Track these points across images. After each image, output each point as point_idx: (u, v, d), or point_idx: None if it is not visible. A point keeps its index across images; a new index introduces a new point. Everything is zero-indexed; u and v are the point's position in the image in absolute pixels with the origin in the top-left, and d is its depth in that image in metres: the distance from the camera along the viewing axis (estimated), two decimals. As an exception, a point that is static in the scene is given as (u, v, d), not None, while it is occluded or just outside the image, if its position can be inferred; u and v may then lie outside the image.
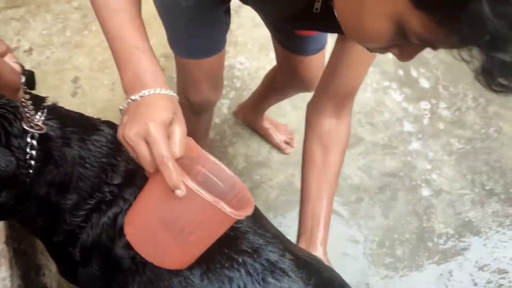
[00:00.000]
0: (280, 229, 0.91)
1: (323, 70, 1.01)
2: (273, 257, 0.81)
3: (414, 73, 2.09)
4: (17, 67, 0.60)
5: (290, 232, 0.97)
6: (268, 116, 1.81)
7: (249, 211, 0.69)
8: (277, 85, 1.53)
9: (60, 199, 0.79)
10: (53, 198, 0.79)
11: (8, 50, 0.60)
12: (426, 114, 1.99)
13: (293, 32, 1.19)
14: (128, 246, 0.78)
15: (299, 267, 0.81)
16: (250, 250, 0.80)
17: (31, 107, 0.69)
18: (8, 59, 0.59)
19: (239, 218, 0.65)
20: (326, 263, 0.93)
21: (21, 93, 0.61)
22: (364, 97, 2.00)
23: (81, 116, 0.86)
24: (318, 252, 0.95)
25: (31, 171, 0.74)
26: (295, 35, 1.21)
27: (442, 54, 2.09)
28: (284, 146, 1.81)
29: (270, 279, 0.78)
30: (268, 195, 1.74)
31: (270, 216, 1.64)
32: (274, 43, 1.32)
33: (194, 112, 1.30)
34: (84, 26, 2.03)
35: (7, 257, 1.03)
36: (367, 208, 1.74)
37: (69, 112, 0.85)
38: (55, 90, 1.82)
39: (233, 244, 0.80)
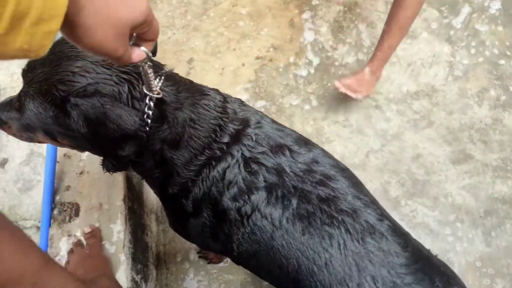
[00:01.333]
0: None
1: None
2: (372, 219, 0.84)
3: (543, 93, 1.87)
4: (144, 54, 0.65)
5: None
6: None
7: None
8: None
9: (173, 155, 0.87)
10: (167, 154, 0.87)
11: (155, 39, 0.65)
12: (552, 140, 1.77)
13: None
14: (234, 198, 0.87)
15: (396, 234, 0.84)
16: (349, 211, 0.84)
17: (152, 73, 0.76)
18: (146, 44, 0.65)
19: None
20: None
21: (145, 59, 0.67)
22: (480, 112, 1.84)
23: (191, 82, 0.94)
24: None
25: (147, 128, 0.82)
26: None
27: None
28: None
29: (369, 240, 0.81)
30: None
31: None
32: None
33: None
34: (204, 11, 2.14)
35: (123, 213, 1.14)
36: (466, 231, 1.61)
37: (182, 78, 0.92)
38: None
39: (333, 204, 0.85)
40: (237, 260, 1.01)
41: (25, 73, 0.82)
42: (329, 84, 1.91)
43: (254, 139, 0.91)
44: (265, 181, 0.88)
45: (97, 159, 0.93)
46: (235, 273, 1.54)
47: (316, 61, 1.97)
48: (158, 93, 0.80)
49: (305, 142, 0.96)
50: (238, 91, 1.91)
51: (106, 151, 0.85)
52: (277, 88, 1.92)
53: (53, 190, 1.18)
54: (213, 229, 0.95)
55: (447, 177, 1.70)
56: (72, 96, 0.76)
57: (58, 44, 0.80)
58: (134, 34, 0.62)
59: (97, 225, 1.12)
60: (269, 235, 0.86)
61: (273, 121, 0.98)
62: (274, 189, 0.87)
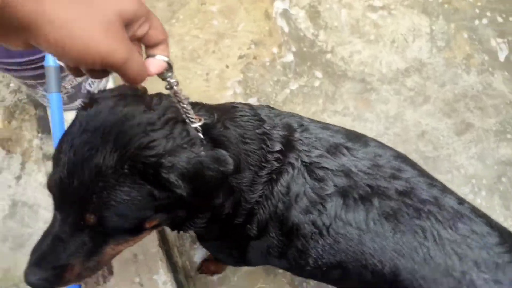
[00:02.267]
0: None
1: None
2: (454, 204, 0.82)
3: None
4: (162, 62, 0.53)
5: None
6: None
7: None
8: None
9: (237, 180, 0.78)
10: (232, 181, 0.77)
11: (164, 40, 0.53)
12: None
13: None
14: (306, 210, 0.80)
15: (479, 214, 0.82)
16: (431, 199, 0.81)
17: (186, 101, 0.63)
18: (160, 51, 0.53)
19: None
20: None
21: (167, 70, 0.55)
22: (469, 79, 1.86)
23: (207, 103, 0.84)
24: None
25: None
26: None
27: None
28: None
29: (460, 225, 0.79)
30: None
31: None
32: None
33: None
34: (172, 14, 1.97)
35: (163, 260, 1.01)
36: (486, 200, 1.63)
37: (199, 102, 0.82)
38: (150, 83, 1.79)
39: (413, 195, 0.81)
40: (309, 275, 0.95)
41: (64, 182, 0.62)
42: (317, 73, 1.84)
43: (306, 143, 0.85)
44: (335, 186, 0.82)
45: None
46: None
47: (300, 51, 1.88)
48: (199, 119, 0.68)
49: (356, 136, 0.91)
50: (229, 96, 1.78)
51: (203, 207, 0.73)
52: (268, 85, 1.81)
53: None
54: (281, 247, 0.88)
55: (455, 150, 1.71)
56: (164, 158, 0.61)
57: (88, 121, 0.64)
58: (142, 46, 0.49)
59: (137, 280, 0.98)
60: (356, 241, 0.80)
61: (313, 120, 0.92)
62: (349, 192, 0.81)
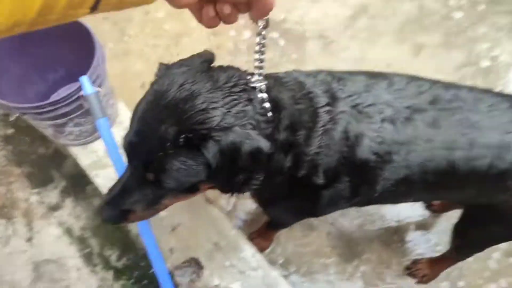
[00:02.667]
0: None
1: None
2: (468, 94, 0.96)
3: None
4: None
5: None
6: None
7: None
8: None
9: (295, 137, 0.85)
10: (290, 139, 0.85)
11: None
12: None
13: None
14: (368, 146, 0.90)
15: (484, 91, 1.00)
16: (452, 97, 0.94)
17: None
18: None
19: None
20: None
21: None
22: (406, 7, 2.08)
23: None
24: None
25: (270, 124, 0.78)
26: None
27: None
28: None
29: (480, 105, 0.93)
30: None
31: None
32: None
33: None
34: (121, 32, 1.95)
35: (244, 237, 1.05)
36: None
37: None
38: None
39: (440, 100, 0.94)
40: (375, 201, 1.05)
41: (133, 143, 0.74)
42: (280, 41, 1.95)
43: (345, 90, 0.93)
44: (383, 117, 0.91)
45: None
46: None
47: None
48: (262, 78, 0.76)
49: (373, 74, 1.00)
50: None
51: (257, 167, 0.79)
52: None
53: (163, 262, 1.02)
54: (354, 187, 0.96)
55: (417, 70, 1.92)
56: (214, 132, 0.69)
57: (158, 95, 0.73)
58: None
59: (227, 263, 1.02)
60: (415, 154, 0.91)
61: (337, 71, 1.00)
62: (395, 118, 0.91)
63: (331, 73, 0.98)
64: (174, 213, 1.12)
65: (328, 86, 0.93)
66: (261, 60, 0.73)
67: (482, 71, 1.97)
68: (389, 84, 0.96)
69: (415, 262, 1.52)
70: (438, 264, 1.45)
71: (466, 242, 1.26)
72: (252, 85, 0.76)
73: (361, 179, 0.95)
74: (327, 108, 0.90)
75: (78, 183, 1.62)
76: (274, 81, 0.86)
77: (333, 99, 0.91)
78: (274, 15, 1.99)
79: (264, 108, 0.76)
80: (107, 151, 0.97)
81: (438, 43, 2.01)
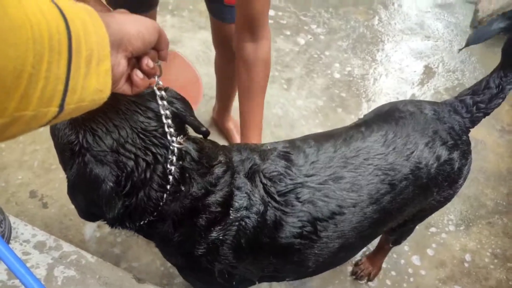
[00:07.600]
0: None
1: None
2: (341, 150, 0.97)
3: None
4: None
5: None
6: (233, 117, 1.90)
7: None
8: (222, 69, 1.68)
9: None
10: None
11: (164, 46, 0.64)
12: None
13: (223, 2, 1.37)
14: (290, 232, 0.89)
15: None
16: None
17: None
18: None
19: None
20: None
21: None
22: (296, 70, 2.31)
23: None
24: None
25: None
26: (225, 5, 1.39)
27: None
28: None
29: (354, 144, 0.96)
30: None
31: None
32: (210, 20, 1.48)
33: None
34: (-9, 147, 1.78)
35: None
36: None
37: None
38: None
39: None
40: (314, 272, 1.04)
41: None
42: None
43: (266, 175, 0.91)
44: (302, 201, 0.90)
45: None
46: None
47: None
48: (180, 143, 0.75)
49: (294, 144, 0.99)
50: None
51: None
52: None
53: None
54: (277, 265, 0.96)
55: (294, 99, 2.11)
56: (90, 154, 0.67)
57: None
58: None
59: None
60: (347, 221, 0.92)
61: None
62: (315, 199, 0.90)
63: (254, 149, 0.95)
64: None
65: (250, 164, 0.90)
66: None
67: (344, 86, 2.25)
68: (305, 156, 0.94)
69: (357, 264, 1.57)
70: (377, 256, 1.51)
71: (400, 235, 1.31)
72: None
73: (286, 259, 0.94)
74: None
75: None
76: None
77: (250, 179, 0.88)
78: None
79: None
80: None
81: (301, 74, 2.27)
